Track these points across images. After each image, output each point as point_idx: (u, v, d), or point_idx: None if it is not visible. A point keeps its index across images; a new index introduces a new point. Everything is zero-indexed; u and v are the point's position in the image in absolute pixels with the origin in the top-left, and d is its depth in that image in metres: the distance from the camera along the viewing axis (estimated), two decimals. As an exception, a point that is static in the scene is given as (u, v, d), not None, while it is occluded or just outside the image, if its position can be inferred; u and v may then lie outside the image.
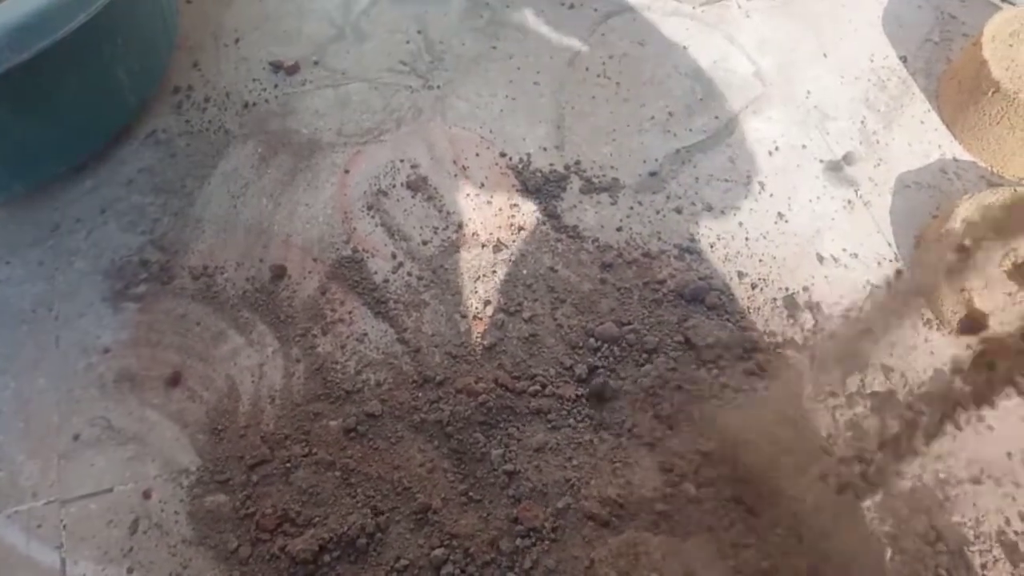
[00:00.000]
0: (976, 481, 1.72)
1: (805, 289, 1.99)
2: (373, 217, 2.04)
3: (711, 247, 2.05)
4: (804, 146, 2.28)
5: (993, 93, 2.14)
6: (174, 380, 1.76)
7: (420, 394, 1.76)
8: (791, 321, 1.93)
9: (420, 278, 1.94)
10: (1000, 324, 1.83)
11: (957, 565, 1.61)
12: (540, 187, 2.12)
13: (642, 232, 2.06)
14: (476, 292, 1.93)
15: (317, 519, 1.59)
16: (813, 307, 1.96)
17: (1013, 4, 2.59)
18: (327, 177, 2.12)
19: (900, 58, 2.51)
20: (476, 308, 1.90)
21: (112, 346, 1.80)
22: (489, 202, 2.09)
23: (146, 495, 1.62)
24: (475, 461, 1.67)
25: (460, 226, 2.04)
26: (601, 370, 1.79)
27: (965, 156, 2.27)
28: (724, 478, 1.65)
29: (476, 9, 2.54)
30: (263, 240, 1.99)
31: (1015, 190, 2.05)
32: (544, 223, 2.05)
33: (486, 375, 1.77)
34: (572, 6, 2.56)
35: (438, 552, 1.55)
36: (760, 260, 2.04)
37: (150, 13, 2.06)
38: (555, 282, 1.94)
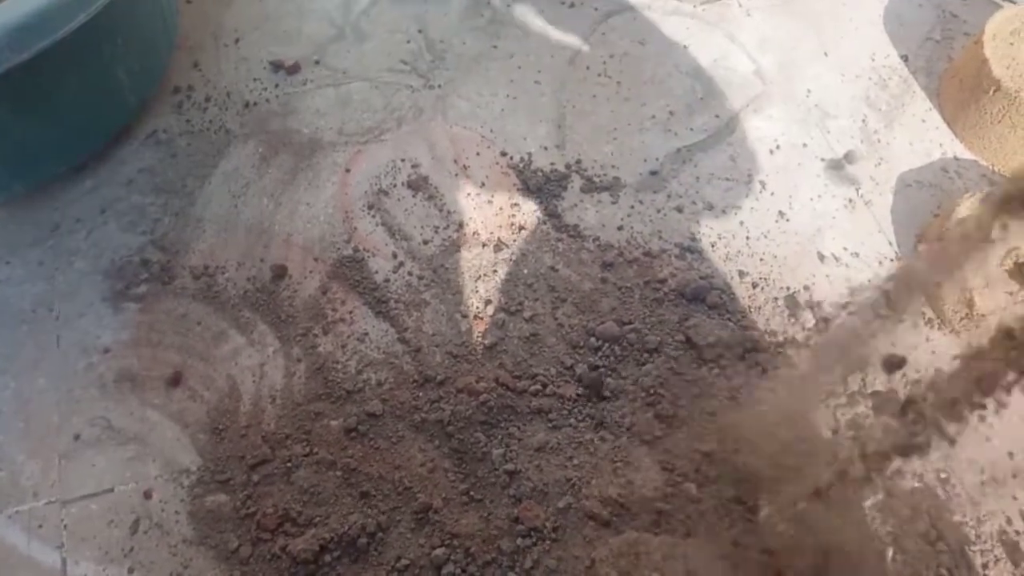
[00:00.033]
0: (978, 481, 1.72)
1: (806, 288, 1.99)
2: (374, 216, 2.04)
3: (712, 246, 2.04)
4: (805, 145, 2.27)
5: (994, 92, 2.14)
6: (175, 380, 1.76)
7: (421, 394, 1.76)
8: (792, 320, 1.93)
9: (421, 277, 1.94)
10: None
11: (958, 565, 1.61)
12: (541, 186, 2.11)
13: (643, 231, 2.06)
14: (477, 291, 1.93)
15: (318, 519, 1.59)
16: (814, 306, 1.95)
17: (1014, 2, 2.59)
18: (328, 176, 2.12)
19: (901, 57, 2.51)
20: (477, 307, 1.90)
21: (112, 346, 1.80)
22: (490, 201, 2.08)
23: (147, 495, 1.62)
24: (476, 461, 1.67)
25: (461, 225, 2.04)
26: (602, 369, 1.79)
27: (966, 155, 2.27)
28: (725, 478, 1.65)
29: (477, 8, 2.54)
30: (264, 240, 1.99)
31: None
32: (545, 222, 2.05)
33: (487, 374, 1.77)
34: (573, 5, 2.56)
35: (439, 552, 1.55)
36: (761, 259, 2.03)
37: (150, 13, 2.05)
38: (556, 281, 1.94)
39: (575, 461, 1.68)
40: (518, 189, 2.12)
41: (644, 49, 2.47)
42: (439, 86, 2.33)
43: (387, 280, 1.93)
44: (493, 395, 1.73)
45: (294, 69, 2.33)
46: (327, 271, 1.94)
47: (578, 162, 2.18)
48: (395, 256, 1.97)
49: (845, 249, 2.06)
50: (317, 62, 2.36)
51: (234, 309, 1.87)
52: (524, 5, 2.56)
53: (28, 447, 1.67)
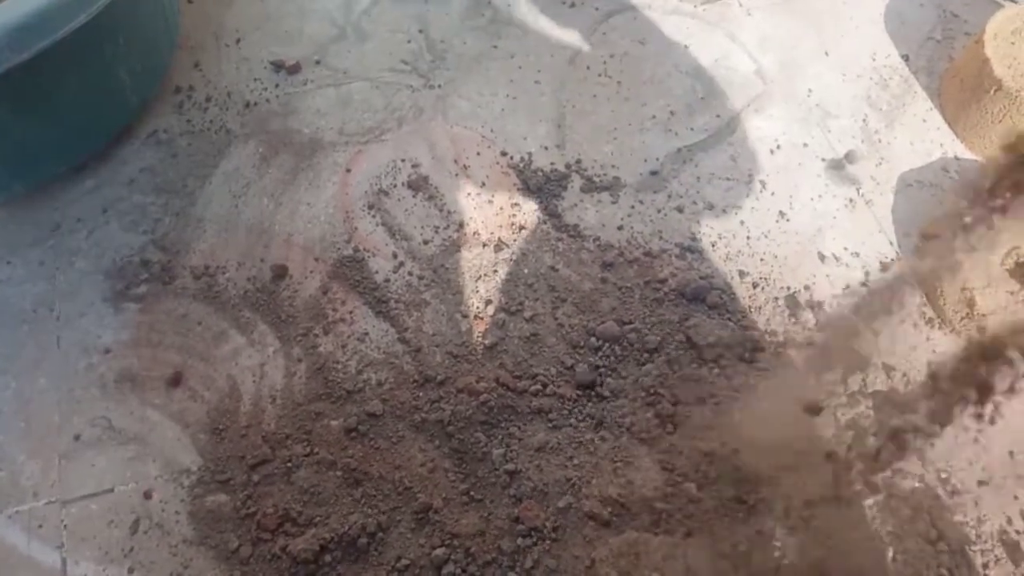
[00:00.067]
0: (978, 481, 1.72)
1: (807, 288, 1.98)
2: (374, 216, 2.04)
3: (712, 246, 2.04)
4: (806, 144, 2.27)
5: (995, 91, 2.14)
6: (175, 380, 1.76)
7: (421, 393, 1.76)
8: (793, 320, 1.93)
9: (421, 277, 1.94)
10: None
11: (959, 564, 1.61)
12: (541, 186, 2.11)
13: (643, 231, 2.06)
14: (477, 291, 1.93)
15: (318, 519, 1.59)
16: (815, 306, 1.95)
17: (1015, 2, 2.58)
18: (328, 176, 2.12)
19: (902, 56, 2.51)
20: (477, 307, 1.90)
21: (113, 346, 1.80)
22: (490, 201, 2.08)
23: (147, 495, 1.62)
24: (476, 461, 1.67)
25: (461, 225, 2.04)
26: (601, 368, 1.79)
27: (967, 155, 2.27)
28: (725, 478, 1.65)
29: (477, 8, 2.54)
30: (264, 240, 1.99)
31: None
32: (545, 222, 2.05)
33: (487, 374, 1.77)
34: (573, 5, 2.56)
35: (439, 552, 1.55)
36: (761, 259, 2.03)
37: (151, 13, 2.05)
38: (556, 281, 1.94)
39: (575, 461, 1.68)
40: (518, 189, 2.12)
41: (644, 49, 2.47)
42: (439, 86, 2.34)
43: (387, 280, 1.93)
44: (493, 395, 1.73)
45: (295, 69, 2.33)
46: (327, 271, 1.94)
47: (578, 162, 2.18)
48: (395, 256, 1.97)
49: (846, 249, 2.06)
50: (318, 62, 2.36)
51: (234, 309, 1.87)
52: (525, 5, 2.56)
53: (28, 447, 1.68)
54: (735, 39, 2.52)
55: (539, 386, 1.76)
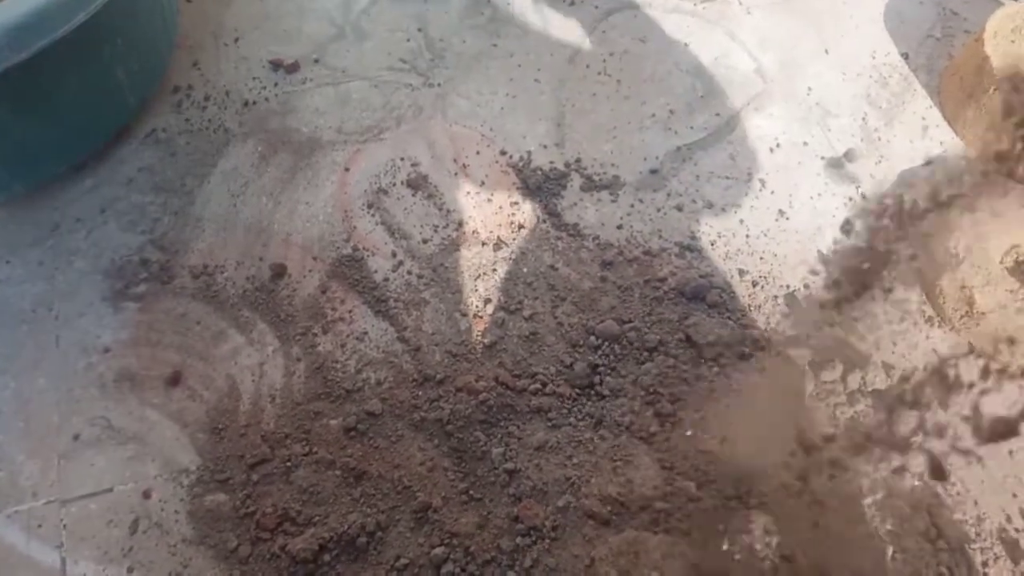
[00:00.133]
0: (977, 479, 1.72)
1: (806, 287, 1.98)
2: (373, 215, 2.04)
3: (712, 245, 2.04)
4: (805, 143, 2.27)
5: (995, 90, 2.13)
6: (174, 379, 1.76)
7: (420, 392, 1.76)
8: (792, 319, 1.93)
9: (420, 276, 1.94)
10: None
11: (958, 563, 1.61)
12: (540, 185, 2.11)
13: (643, 230, 2.06)
14: (476, 290, 1.92)
15: (317, 518, 1.59)
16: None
17: (1015, 0, 2.58)
18: (327, 175, 2.12)
19: (902, 55, 2.51)
20: (476, 306, 1.90)
21: (112, 346, 1.80)
22: (489, 200, 2.08)
23: (146, 495, 1.62)
24: (475, 459, 1.67)
25: (460, 224, 2.03)
26: (601, 368, 1.79)
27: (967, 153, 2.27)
28: (724, 476, 1.65)
29: (477, 7, 2.54)
30: (263, 239, 1.99)
31: None
32: (544, 221, 2.05)
33: (486, 373, 1.77)
34: (573, 3, 2.56)
35: (438, 551, 1.55)
36: (761, 258, 2.03)
37: (150, 12, 2.05)
38: (556, 280, 1.94)
39: (574, 460, 1.68)
40: (517, 188, 2.11)
41: (644, 47, 2.46)
42: (439, 85, 2.33)
43: (386, 279, 1.93)
44: (493, 394, 1.73)
45: (293, 68, 2.32)
46: (326, 270, 1.94)
47: (578, 160, 2.18)
48: (394, 255, 1.97)
49: (845, 247, 2.06)
50: (316, 61, 2.36)
51: (233, 308, 1.87)
52: (524, 3, 2.55)
53: (28, 447, 1.67)
54: (735, 38, 2.52)
55: (538, 385, 1.76)
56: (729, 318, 1.90)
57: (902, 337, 1.91)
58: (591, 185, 2.12)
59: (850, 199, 2.15)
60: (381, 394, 1.75)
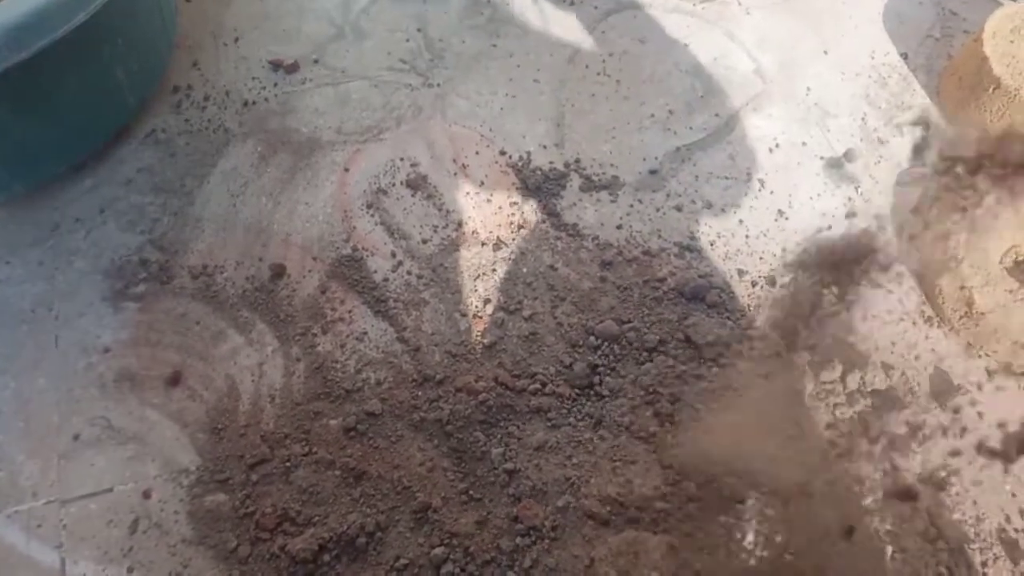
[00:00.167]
0: (977, 479, 1.72)
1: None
2: (373, 215, 2.04)
3: (711, 245, 2.04)
4: (804, 143, 2.27)
5: (994, 90, 2.14)
6: (174, 379, 1.76)
7: (420, 393, 1.76)
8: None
9: (420, 276, 1.94)
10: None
11: (958, 563, 1.61)
12: (540, 185, 2.11)
13: (642, 230, 2.06)
14: (476, 290, 1.93)
15: (317, 518, 1.59)
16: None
17: (1014, 0, 2.58)
18: (327, 176, 2.12)
19: (901, 55, 2.51)
20: (476, 306, 1.90)
21: (112, 346, 1.80)
22: (489, 200, 2.08)
23: (146, 495, 1.62)
24: (475, 460, 1.67)
25: (460, 224, 2.04)
26: (601, 367, 1.79)
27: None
28: (724, 476, 1.64)
29: (476, 7, 2.54)
30: (263, 239, 1.99)
31: None
32: (544, 221, 2.05)
33: (486, 373, 1.77)
34: (572, 3, 2.56)
35: (438, 551, 1.55)
36: (760, 258, 2.03)
37: (149, 12, 2.05)
38: (555, 280, 1.94)
39: (574, 460, 1.68)
40: (517, 188, 2.12)
41: (643, 47, 2.47)
42: (438, 85, 2.33)
43: (386, 279, 1.93)
44: (492, 394, 1.73)
45: (293, 68, 2.32)
46: (326, 270, 1.94)
47: (577, 161, 2.18)
48: (394, 255, 1.97)
49: (845, 247, 2.06)
50: (316, 61, 2.36)
51: (233, 308, 1.87)
52: (524, 3, 2.56)
53: (27, 447, 1.67)
54: (734, 38, 2.52)
55: (538, 385, 1.76)
56: (728, 318, 1.90)
57: (901, 337, 1.91)
58: (590, 185, 2.13)
59: (849, 199, 2.15)
60: (381, 394, 1.75)
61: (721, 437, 1.69)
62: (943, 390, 1.82)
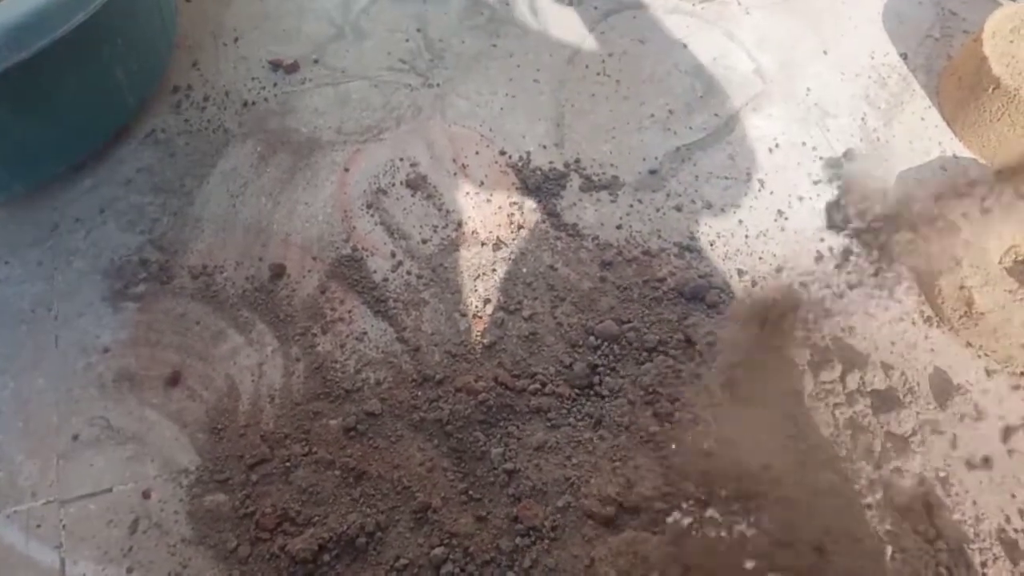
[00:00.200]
0: (976, 480, 1.72)
1: (805, 286, 1.98)
2: (372, 216, 2.04)
3: (711, 245, 2.04)
4: (804, 143, 2.27)
5: (994, 89, 2.14)
6: (173, 379, 1.76)
7: (420, 393, 1.76)
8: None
9: (420, 276, 1.94)
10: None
11: (957, 563, 1.61)
12: (540, 185, 2.11)
13: (642, 230, 2.06)
14: (476, 290, 1.92)
15: (317, 518, 1.59)
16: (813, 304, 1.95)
17: (1013, 0, 2.58)
18: (327, 176, 2.11)
19: (900, 55, 2.51)
20: (476, 306, 1.90)
21: (111, 346, 1.80)
22: (489, 200, 2.08)
23: (145, 495, 1.62)
24: (475, 460, 1.67)
25: (460, 224, 2.03)
26: (601, 367, 1.79)
27: (966, 153, 2.27)
28: (724, 476, 1.65)
29: (476, 7, 2.54)
30: (262, 239, 1.99)
31: None
32: (544, 221, 2.05)
33: (486, 373, 1.77)
34: (572, 3, 2.56)
35: (438, 551, 1.55)
36: (760, 258, 2.03)
37: (149, 12, 2.05)
38: (555, 280, 1.94)
39: (574, 460, 1.68)
40: (517, 188, 2.12)
41: (643, 47, 2.47)
42: (438, 85, 2.33)
43: (386, 279, 1.93)
44: (492, 394, 1.73)
45: (293, 68, 2.32)
46: (326, 270, 1.94)
47: (577, 161, 2.18)
48: (394, 255, 1.97)
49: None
50: (316, 61, 2.36)
51: (232, 308, 1.87)
52: (523, 4, 2.55)
53: (27, 447, 1.67)
54: (734, 38, 2.52)
55: (538, 385, 1.76)
56: (728, 318, 1.90)
57: (901, 337, 1.91)
58: (590, 185, 2.13)
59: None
60: (380, 394, 1.75)
61: (720, 437, 1.69)
62: (943, 390, 1.82)
